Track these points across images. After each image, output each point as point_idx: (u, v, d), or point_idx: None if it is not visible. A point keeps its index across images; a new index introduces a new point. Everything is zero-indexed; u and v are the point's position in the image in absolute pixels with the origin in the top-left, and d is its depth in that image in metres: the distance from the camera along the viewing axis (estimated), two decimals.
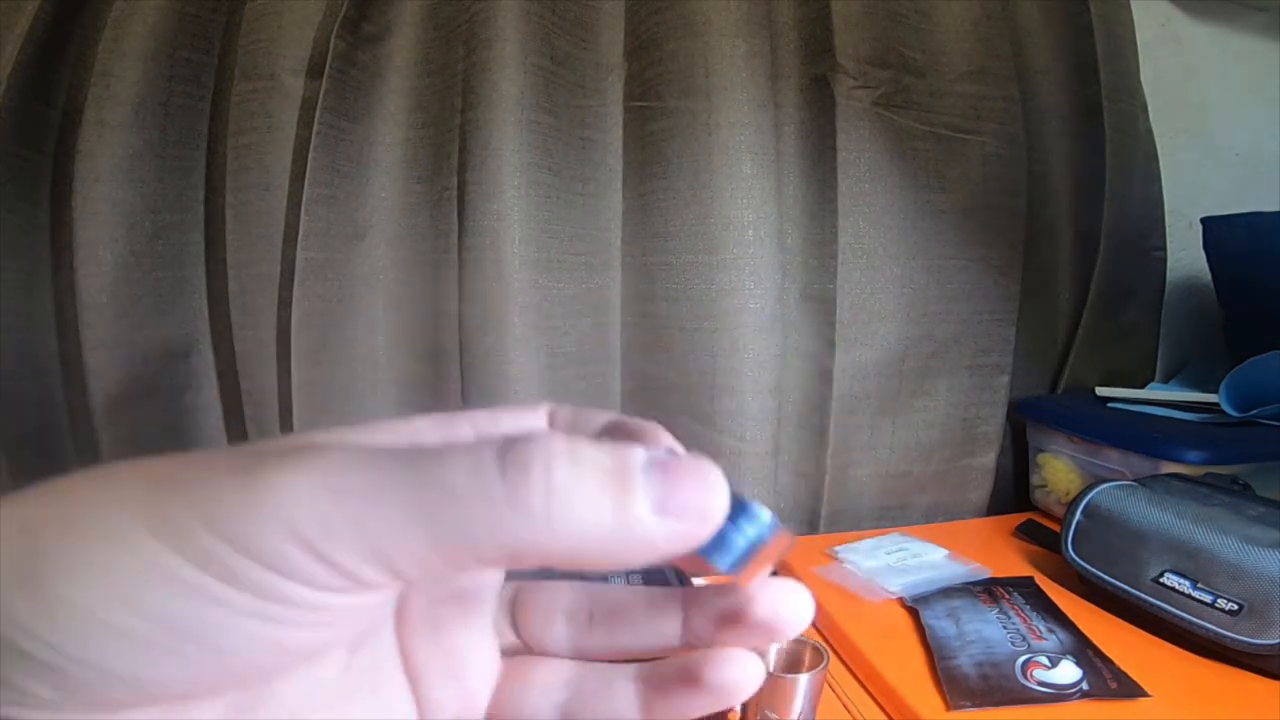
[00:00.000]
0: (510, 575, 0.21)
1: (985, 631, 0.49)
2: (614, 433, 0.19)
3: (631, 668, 0.19)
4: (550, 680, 0.19)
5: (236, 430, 0.70)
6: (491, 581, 0.20)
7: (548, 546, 0.14)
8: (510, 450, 0.14)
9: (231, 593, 0.13)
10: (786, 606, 0.18)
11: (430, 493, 0.14)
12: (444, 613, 0.19)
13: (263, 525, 0.13)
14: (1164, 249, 0.86)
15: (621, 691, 0.19)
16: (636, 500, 0.14)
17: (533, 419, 0.20)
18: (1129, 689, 0.43)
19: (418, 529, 0.14)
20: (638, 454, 0.15)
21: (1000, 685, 0.43)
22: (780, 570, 0.66)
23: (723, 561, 0.16)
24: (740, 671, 0.18)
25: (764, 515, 0.17)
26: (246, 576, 0.13)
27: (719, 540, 0.16)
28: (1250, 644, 0.43)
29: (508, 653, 0.20)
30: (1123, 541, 0.52)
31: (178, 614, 0.13)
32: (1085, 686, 0.43)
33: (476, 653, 0.19)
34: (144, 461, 0.15)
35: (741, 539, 0.17)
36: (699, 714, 0.18)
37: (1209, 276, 0.82)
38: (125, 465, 0.15)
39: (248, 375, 0.67)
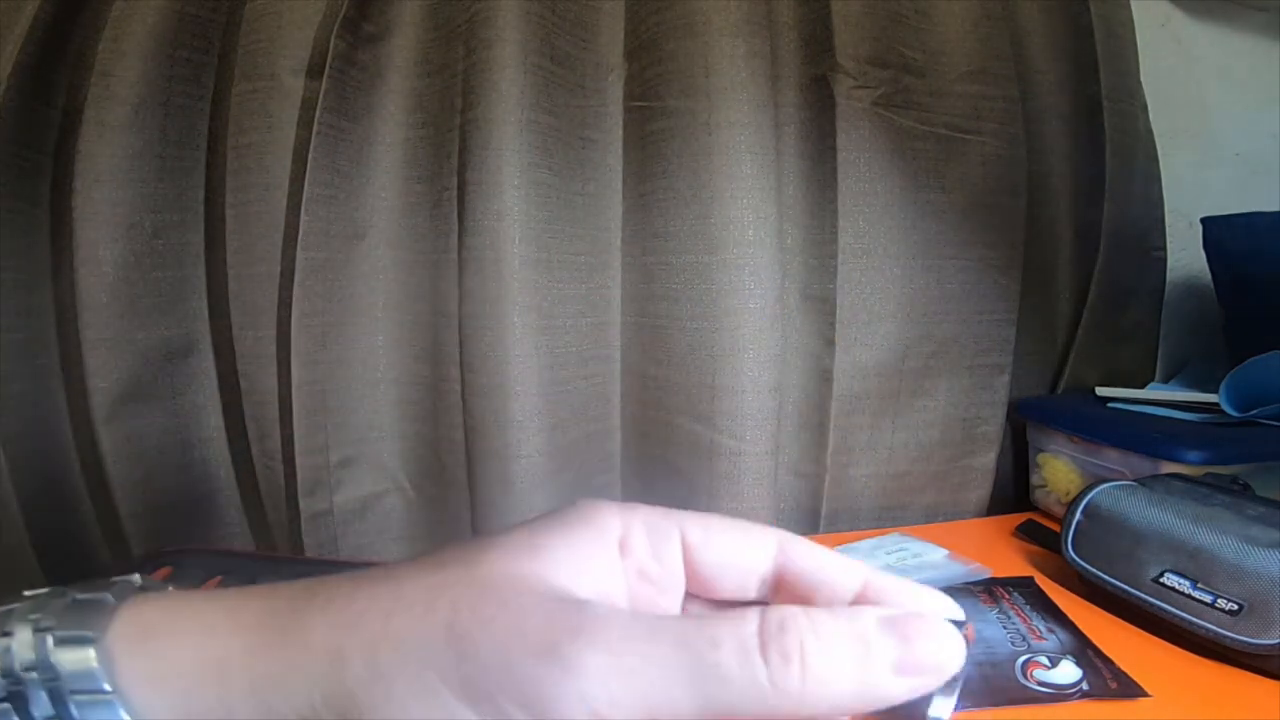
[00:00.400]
0: None
1: (985, 631, 0.49)
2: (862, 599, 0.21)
3: None
4: None
5: (236, 430, 0.70)
6: None
7: (798, 712, 0.16)
8: (770, 640, 0.16)
9: None
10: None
11: (704, 675, 0.16)
12: None
13: (561, 699, 0.15)
14: (1164, 249, 0.86)
15: None
16: (877, 665, 0.16)
17: (755, 557, 0.21)
18: (1129, 689, 0.43)
19: (690, 704, 0.16)
20: (874, 617, 0.17)
21: (1000, 685, 0.43)
22: None
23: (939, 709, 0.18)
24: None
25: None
26: None
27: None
28: (1250, 644, 0.43)
29: None
30: (1123, 541, 0.52)
31: None
32: (1085, 686, 0.43)
33: None
34: (438, 603, 0.17)
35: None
36: None
37: (1209, 276, 0.82)
38: (421, 604, 0.17)
39: (248, 375, 0.67)
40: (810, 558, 0.21)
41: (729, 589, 0.21)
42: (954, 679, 0.19)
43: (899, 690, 0.16)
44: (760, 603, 0.21)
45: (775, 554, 0.21)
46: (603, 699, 0.15)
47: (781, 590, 0.21)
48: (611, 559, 0.20)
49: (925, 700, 0.18)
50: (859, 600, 0.21)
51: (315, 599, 0.18)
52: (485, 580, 0.18)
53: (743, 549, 0.21)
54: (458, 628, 0.16)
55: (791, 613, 0.17)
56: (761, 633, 0.16)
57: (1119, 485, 0.56)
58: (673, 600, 0.21)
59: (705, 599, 0.22)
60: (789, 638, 0.16)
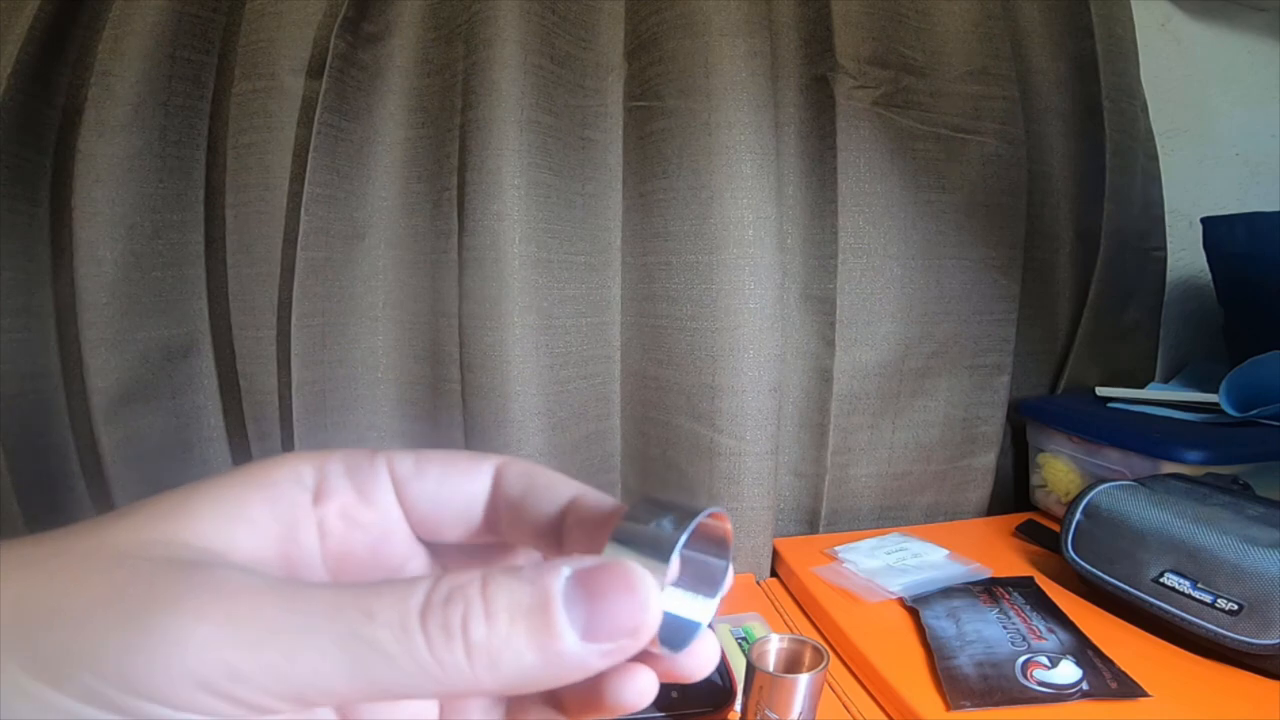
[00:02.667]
0: None
1: (985, 631, 0.49)
2: (571, 515, 0.18)
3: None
4: (482, 704, 0.19)
5: (236, 430, 0.70)
6: None
7: (480, 689, 0.14)
8: (432, 614, 0.14)
9: (97, 714, 0.13)
10: (702, 666, 0.18)
11: (359, 651, 0.14)
12: None
13: (159, 674, 0.13)
14: (1164, 249, 0.86)
15: (546, 704, 0.18)
16: (561, 636, 0.14)
17: (473, 481, 0.19)
18: (1129, 689, 0.43)
19: (347, 682, 0.14)
20: (558, 581, 0.14)
21: (1000, 685, 0.43)
22: (781, 570, 0.66)
23: (672, 649, 0.17)
24: (639, 687, 0.17)
25: (721, 585, 0.18)
26: (138, 712, 0.13)
27: (671, 631, 0.16)
28: (1250, 644, 0.43)
29: None
30: (1123, 541, 0.52)
31: None
32: (1085, 686, 0.43)
33: (420, 702, 0.18)
34: (18, 575, 0.14)
35: (690, 632, 0.17)
36: (615, 713, 0.17)
37: (1209, 276, 0.82)
38: (9, 580, 0.14)
39: (248, 375, 0.67)
40: (518, 479, 0.19)
41: (454, 527, 0.19)
42: (714, 580, 0.18)
43: (594, 659, 0.14)
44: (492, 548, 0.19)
45: (492, 478, 0.19)
46: (218, 674, 0.13)
47: (500, 515, 0.19)
48: (288, 512, 0.17)
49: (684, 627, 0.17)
50: (567, 518, 0.18)
51: None
52: (90, 548, 0.15)
53: (457, 479, 0.19)
54: (27, 600, 0.14)
55: (462, 582, 0.14)
56: (426, 605, 0.14)
57: (1119, 485, 0.56)
58: (399, 548, 0.19)
59: (438, 545, 0.20)
60: (452, 610, 0.14)
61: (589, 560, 0.15)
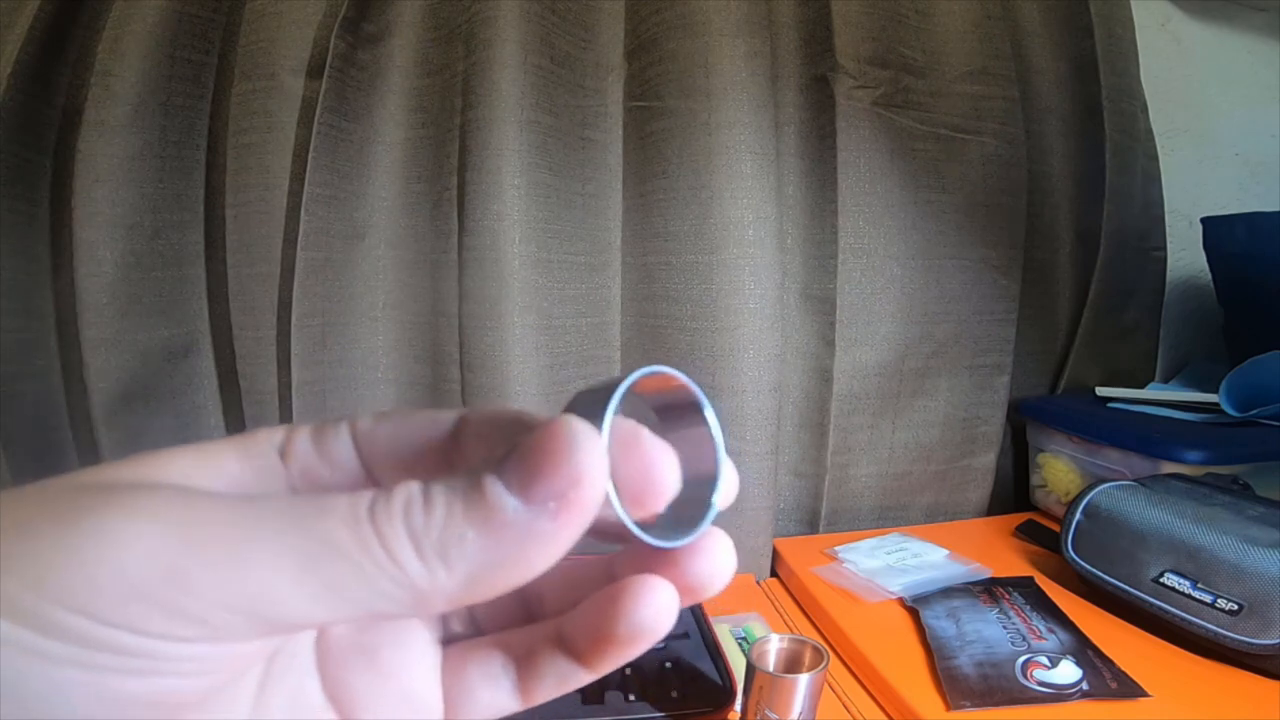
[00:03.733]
0: None
1: (985, 631, 0.49)
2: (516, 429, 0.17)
3: (553, 624, 0.18)
4: (490, 672, 0.18)
5: (236, 430, 0.70)
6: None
7: (443, 591, 0.13)
8: (376, 508, 0.13)
9: (73, 650, 0.12)
10: (718, 569, 0.16)
11: (315, 548, 0.13)
12: (370, 635, 0.17)
13: (90, 578, 0.12)
14: (1164, 249, 0.86)
15: (559, 657, 0.17)
16: (497, 505, 0.13)
17: (432, 429, 0.18)
18: (1129, 689, 0.43)
19: (303, 587, 0.13)
20: (488, 462, 0.14)
21: (1000, 685, 0.43)
22: (781, 570, 0.66)
23: (680, 534, 0.15)
24: (660, 598, 0.16)
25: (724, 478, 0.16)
26: (89, 635, 0.12)
27: (673, 520, 0.15)
28: (1250, 644, 0.43)
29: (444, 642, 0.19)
30: (1123, 541, 0.52)
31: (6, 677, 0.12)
32: (1085, 686, 0.43)
33: (420, 676, 0.17)
34: None
35: (695, 516, 0.15)
36: (632, 645, 0.16)
37: (1209, 276, 0.82)
38: None
39: (248, 375, 0.67)
40: (481, 417, 0.17)
41: (408, 467, 0.18)
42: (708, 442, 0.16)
43: (542, 523, 0.13)
44: None
45: (455, 422, 0.18)
46: (157, 577, 0.12)
47: (467, 452, 0.18)
48: (261, 465, 0.17)
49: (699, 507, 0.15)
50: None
51: None
52: (59, 484, 0.14)
53: (414, 423, 0.18)
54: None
55: (406, 483, 0.14)
56: (373, 501, 0.13)
57: (1119, 485, 0.56)
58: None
59: None
60: (395, 501, 0.13)
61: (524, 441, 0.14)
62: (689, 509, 0.16)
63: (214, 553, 0.12)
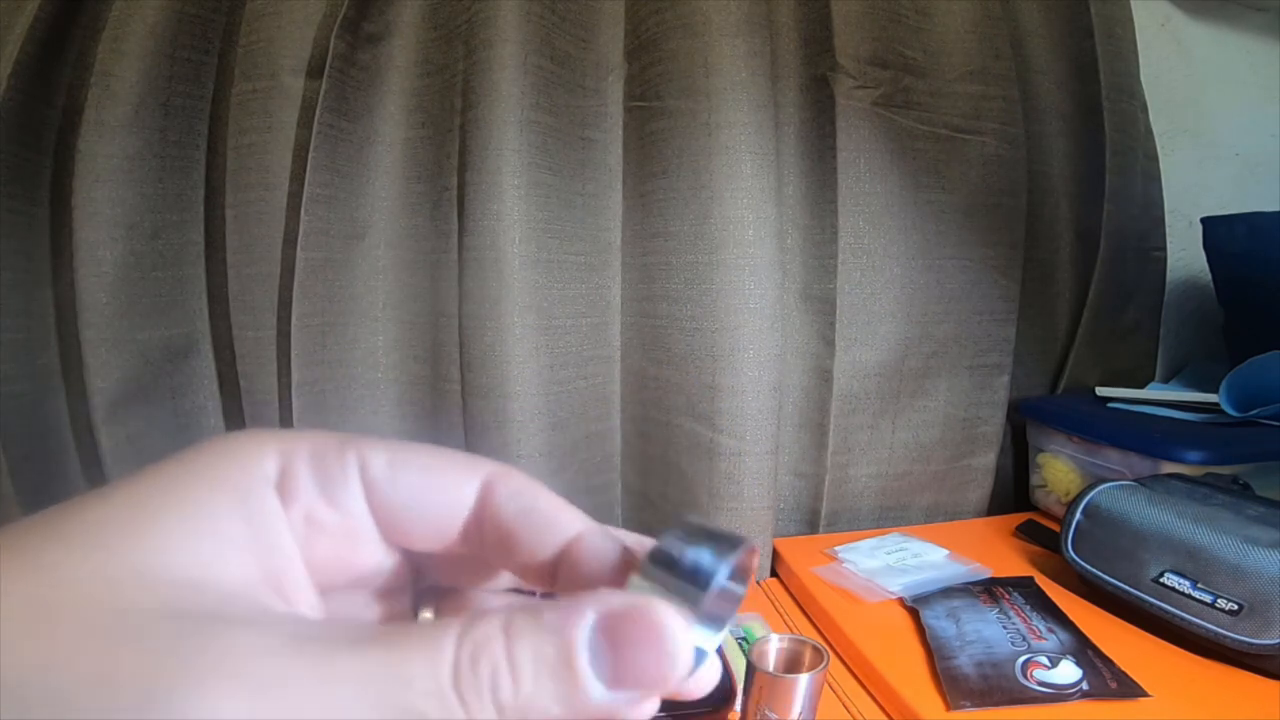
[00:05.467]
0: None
1: (985, 631, 0.49)
2: (572, 558, 0.17)
3: None
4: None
5: (236, 430, 0.70)
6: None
7: None
8: (460, 678, 0.13)
9: None
10: (700, 688, 0.17)
11: (392, 705, 0.13)
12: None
13: None
14: (1164, 249, 0.86)
15: None
16: (586, 689, 0.13)
17: (456, 492, 0.17)
18: (1129, 689, 0.43)
19: None
20: (582, 630, 0.14)
21: (1000, 685, 0.43)
22: (781, 570, 0.66)
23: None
24: None
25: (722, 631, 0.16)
26: None
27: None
28: (1250, 644, 0.43)
29: None
30: (1123, 541, 0.52)
31: None
32: (1085, 686, 0.43)
33: None
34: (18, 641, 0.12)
35: (698, 659, 0.15)
36: None
37: (1209, 276, 0.82)
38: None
39: (248, 375, 0.67)
40: (509, 498, 0.17)
41: (428, 538, 0.17)
42: (718, 617, 0.16)
43: (620, 708, 0.14)
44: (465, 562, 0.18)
45: (479, 494, 0.17)
46: None
47: (486, 536, 0.17)
48: (261, 520, 0.15)
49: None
50: (565, 558, 0.17)
51: None
52: (52, 597, 0.13)
53: (437, 489, 0.17)
54: (8, 682, 0.11)
55: (485, 636, 0.13)
56: (455, 669, 0.13)
57: (1119, 485, 0.56)
58: (367, 555, 0.17)
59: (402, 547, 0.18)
60: (481, 671, 0.13)
61: (615, 599, 0.14)
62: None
63: (291, 701, 0.12)
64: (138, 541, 0.14)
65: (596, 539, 0.17)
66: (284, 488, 0.16)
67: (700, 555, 0.15)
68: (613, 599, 0.14)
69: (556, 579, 0.17)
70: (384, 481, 0.16)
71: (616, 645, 0.14)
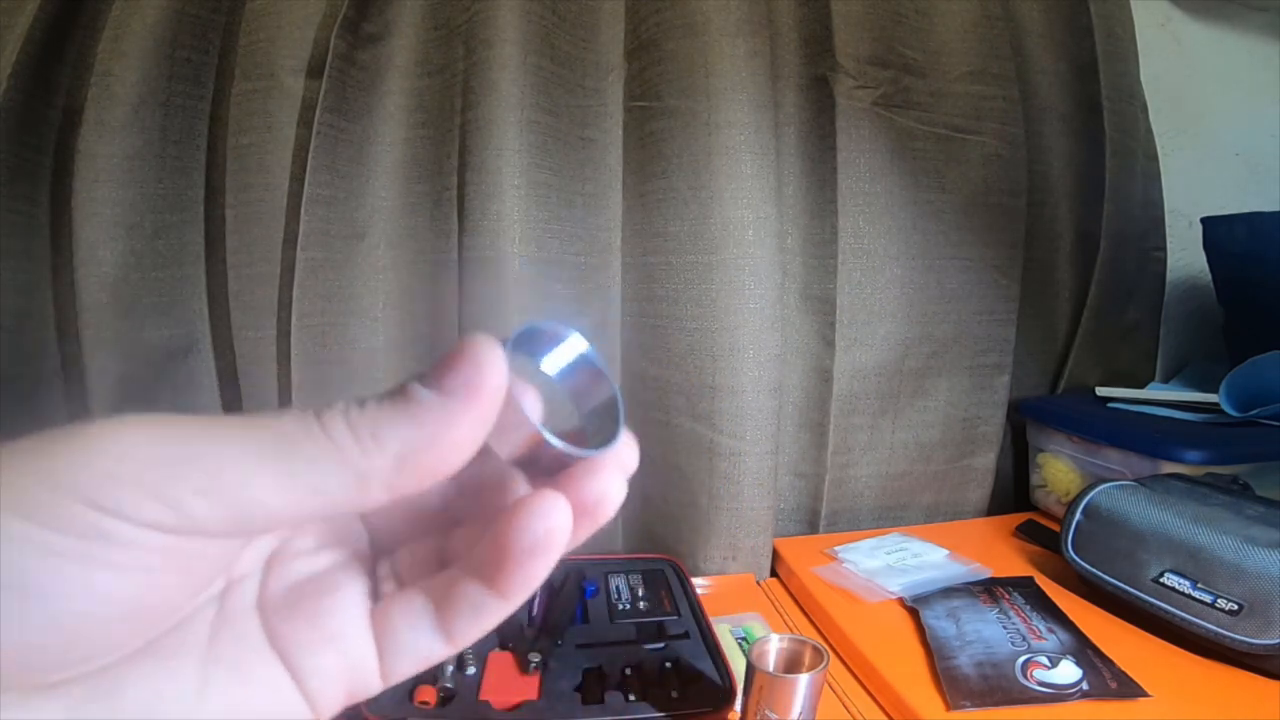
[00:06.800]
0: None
1: (985, 631, 0.49)
2: None
3: (466, 561, 0.19)
4: (411, 614, 0.19)
5: None
6: (355, 546, 0.20)
7: (381, 473, 0.16)
8: (320, 411, 0.16)
9: (72, 543, 0.14)
10: (608, 489, 0.19)
11: (276, 444, 0.15)
12: (307, 588, 0.19)
13: (99, 470, 0.14)
14: (1164, 249, 0.86)
15: (470, 586, 0.18)
16: (416, 395, 0.16)
17: None
18: (1129, 689, 0.43)
19: (271, 476, 0.15)
20: (416, 372, 0.17)
21: (1000, 685, 0.43)
22: (781, 570, 0.66)
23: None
24: (551, 511, 0.17)
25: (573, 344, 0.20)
26: (89, 525, 0.14)
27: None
28: (1250, 644, 0.43)
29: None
30: (1123, 541, 0.52)
31: None
32: (1085, 686, 0.43)
33: (351, 623, 0.19)
34: None
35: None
36: (532, 560, 0.17)
37: (1209, 276, 0.82)
38: None
39: (248, 375, 0.67)
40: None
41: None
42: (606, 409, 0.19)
43: (453, 405, 0.16)
44: None
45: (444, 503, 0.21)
46: (151, 468, 0.14)
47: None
48: None
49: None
50: None
51: None
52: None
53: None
54: None
55: (347, 398, 0.17)
56: (318, 409, 0.16)
57: (1119, 485, 0.56)
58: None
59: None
60: (335, 407, 0.16)
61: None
62: (596, 438, 0.19)
63: (192, 447, 0.15)
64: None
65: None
66: None
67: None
68: None
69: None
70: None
71: (437, 364, 0.16)
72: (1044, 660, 0.45)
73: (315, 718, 0.18)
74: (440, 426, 0.16)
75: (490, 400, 0.16)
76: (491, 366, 0.16)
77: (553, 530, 0.17)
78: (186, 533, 0.15)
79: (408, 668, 0.19)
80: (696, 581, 0.61)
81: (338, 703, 0.18)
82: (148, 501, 0.14)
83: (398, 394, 0.16)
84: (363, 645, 0.18)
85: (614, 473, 0.19)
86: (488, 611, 0.18)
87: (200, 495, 0.14)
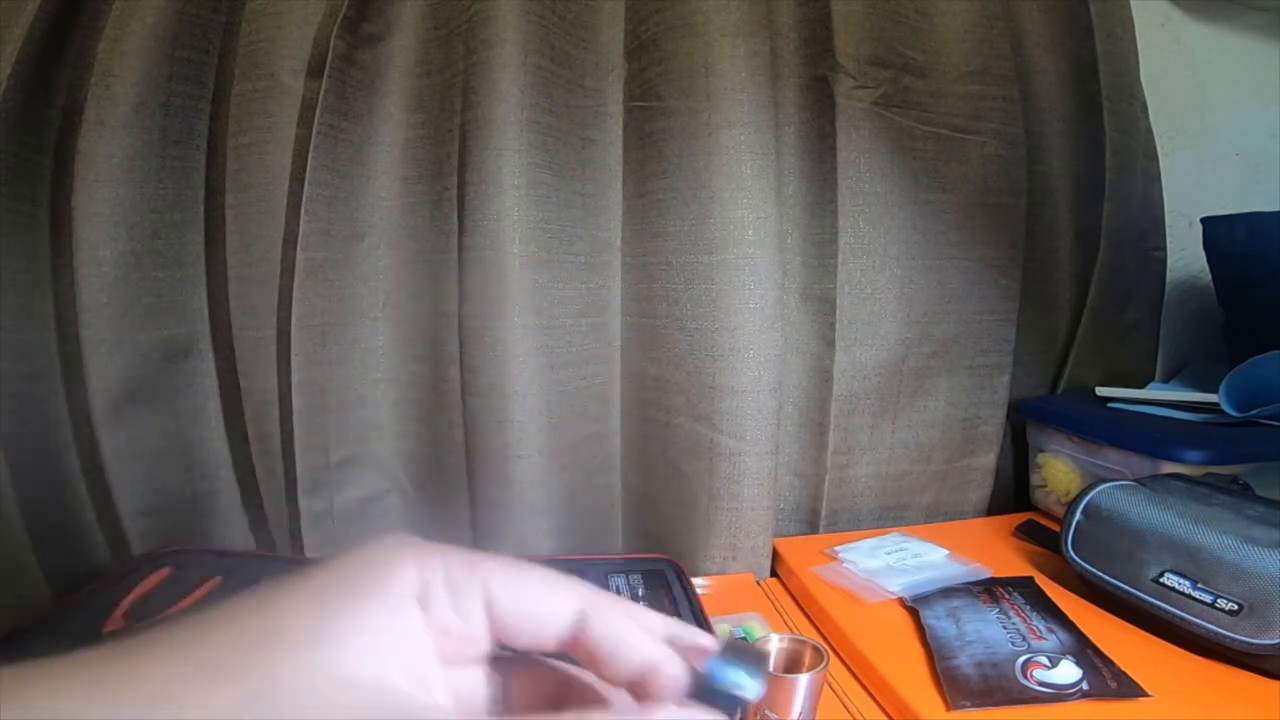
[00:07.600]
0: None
1: (985, 631, 0.49)
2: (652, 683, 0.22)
3: None
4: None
5: (236, 430, 0.70)
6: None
7: None
8: None
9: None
10: None
11: None
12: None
13: None
14: (1164, 249, 0.86)
15: None
16: None
17: (556, 620, 0.22)
18: (1129, 689, 0.43)
19: None
20: None
21: (1000, 685, 0.43)
22: (781, 570, 0.66)
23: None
24: None
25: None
26: None
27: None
28: (1250, 644, 0.43)
29: None
30: (1123, 541, 0.52)
31: None
32: (1085, 686, 0.43)
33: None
34: None
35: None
36: None
37: (1209, 276, 0.82)
38: None
39: (248, 375, 0.67)
40: (604, 635, 0.22)
41: (525, 642, 0.22)
42: (755, 663, 0.21)
43: None
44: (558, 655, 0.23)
45: (574, 620, 0.22)
46: None
47: (578, 650, 0.22)
48: (410, 622, 0.20)
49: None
50: (642, 681, 0.22)
51: None
52: (282, 696, 0.17)
53: (544, 613, 0.22)
54: None
55: None
56: None
57: (1119, 485, 0.56)
58: (477, 649, 0.22)
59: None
60: None
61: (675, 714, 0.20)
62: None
63: None
64: (326, 649, 0.18)
65: (668, 670, 0.22)
66: (425, 601, 0.20)
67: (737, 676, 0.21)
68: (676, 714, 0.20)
69: (631, 688, 0.22)
70: (503, 603, 0.21)
71: None
72: (1044, 660, 0.45)
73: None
74: None
75: None
76: None
77: None
78: None
79: None
80: (696, 581, 0.61)
81: None
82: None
83: None
84: None
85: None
86: None
87: None
